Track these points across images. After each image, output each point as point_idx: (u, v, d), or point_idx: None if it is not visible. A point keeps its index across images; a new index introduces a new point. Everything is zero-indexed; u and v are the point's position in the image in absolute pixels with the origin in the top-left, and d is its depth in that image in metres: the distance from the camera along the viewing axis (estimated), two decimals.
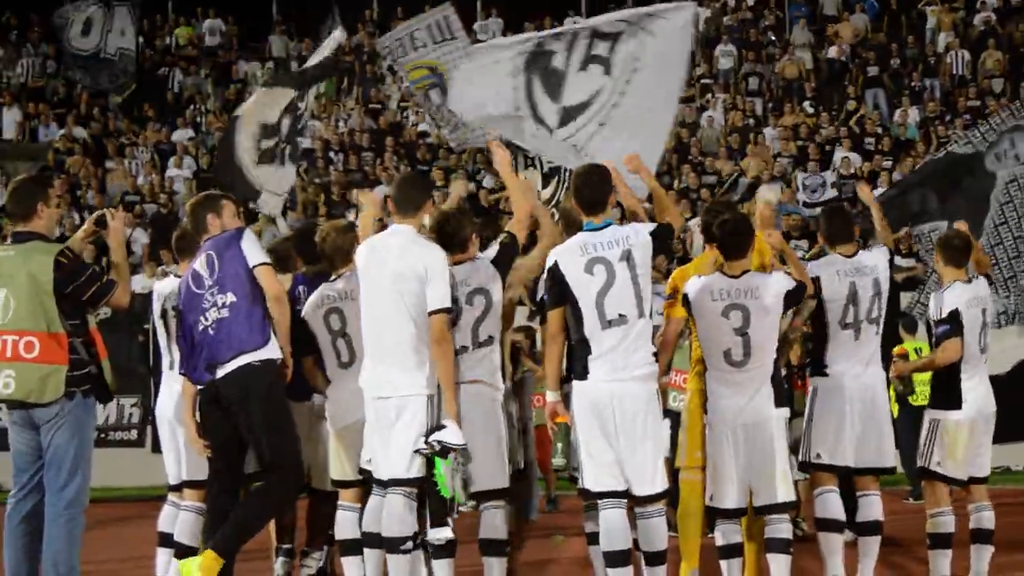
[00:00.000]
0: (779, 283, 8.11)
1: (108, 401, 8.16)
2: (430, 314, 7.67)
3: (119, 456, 18.40)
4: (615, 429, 7.60)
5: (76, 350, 7.68)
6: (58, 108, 28.70)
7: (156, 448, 9.74)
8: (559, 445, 8.17)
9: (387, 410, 7.72)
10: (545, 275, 7.93)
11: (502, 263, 8.09)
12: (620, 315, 7.65)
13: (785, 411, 8.10)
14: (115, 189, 25.53)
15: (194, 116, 28.89)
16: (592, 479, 7.72)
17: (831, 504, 8.47)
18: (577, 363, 7.76)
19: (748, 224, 8.35)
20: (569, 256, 7.76)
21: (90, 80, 28.10)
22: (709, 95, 28.19)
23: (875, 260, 8.72)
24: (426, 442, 7.55)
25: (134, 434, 18.96)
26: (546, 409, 8.05)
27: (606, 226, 7.82)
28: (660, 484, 7.68)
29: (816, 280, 8.51)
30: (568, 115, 10.73)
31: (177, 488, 8.95)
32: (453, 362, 7.74)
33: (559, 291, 7.75)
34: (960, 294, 8.85)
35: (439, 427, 7.59)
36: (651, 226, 7.88)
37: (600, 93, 10.63)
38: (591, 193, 7.88)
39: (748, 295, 8.03)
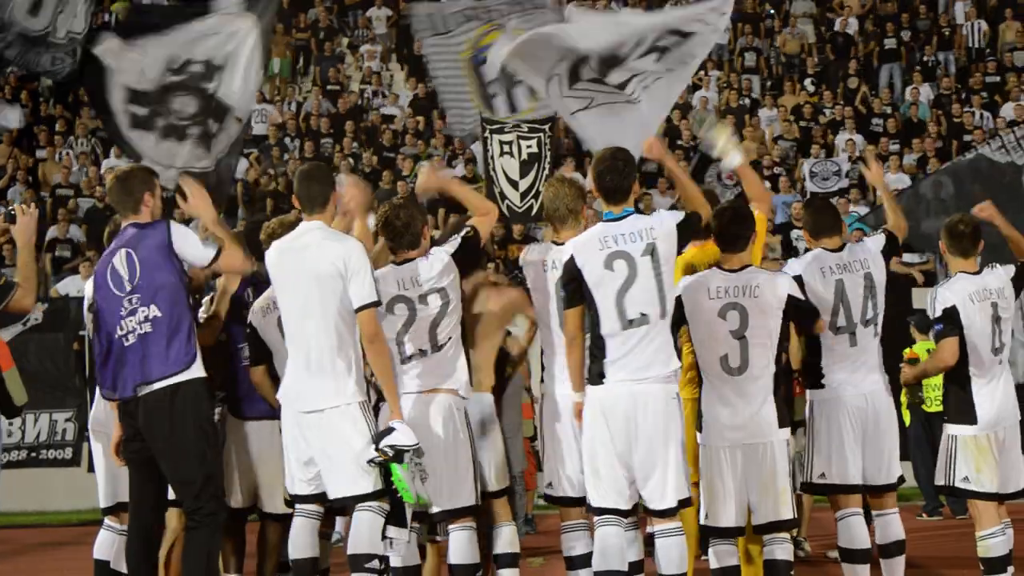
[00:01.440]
0: (783, 284, 8.07)
1: (13, 416, 8.11)
2: (357, 311, 7.66)
3: (52, 476, 18.31)
4: (633, 436, 7.58)
5: None
6: None
7: (92, 467, 9.68)
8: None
9: (321, 423, 7.72)
10: (561, 271, 7.86)
11: (465, 260, 8.04)
12: (642, 314, 7.61)
13: (787, 431, 8.07)
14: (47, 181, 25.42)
15: None
16: (594, 493, 7.72)
17: (856, 531, 8.42)
18: (591, 367, 7.74)
19: (749, 214, 8.32)
20: (587, 250, 7.71)
21: (29, 64, 27.88)
22: (702, 72, 28.16)
23: (865, 252, 8.61)
24: (377, 449, 7.54)
25: (68, 452, 18.83)
26: (573, 410, 7.97)
27: (626, 215, 7.77)
28: (678, 494, 7.64)
29: (798, 280, 8.37)
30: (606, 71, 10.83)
31: (113, 510, 8.90)
32: (389, 359, 7.74)
33: (576, 288, 7.72)
34: (961, 288, 8.73)
35: (387, 431, 7.58)
36: (677, 215, 7.82)
37: (645, 73, 10.74)
38: (614, 180, 7.82)
39: (747, 293, 7.98)
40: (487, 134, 12.30)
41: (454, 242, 8.08)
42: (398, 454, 7.53)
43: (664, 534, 7.67)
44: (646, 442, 7.59)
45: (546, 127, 12.55)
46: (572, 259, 7.72)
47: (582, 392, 7.79)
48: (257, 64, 12.05)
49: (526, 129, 12.45)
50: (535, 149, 11.99)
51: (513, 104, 12.16)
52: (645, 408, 7.58)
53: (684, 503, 7.71)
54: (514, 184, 12.27)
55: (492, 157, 12.25)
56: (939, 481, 8.94)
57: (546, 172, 12.16)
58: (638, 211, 7.89)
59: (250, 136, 26.77)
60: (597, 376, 7.67)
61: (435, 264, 7.98)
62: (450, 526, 8.00)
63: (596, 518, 7.75)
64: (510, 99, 12.28)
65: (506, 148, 12.17)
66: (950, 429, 8.82)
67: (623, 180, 7.82)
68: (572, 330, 7.80)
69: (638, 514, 8.03)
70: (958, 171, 13.40)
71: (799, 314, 8.10)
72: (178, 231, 7.96)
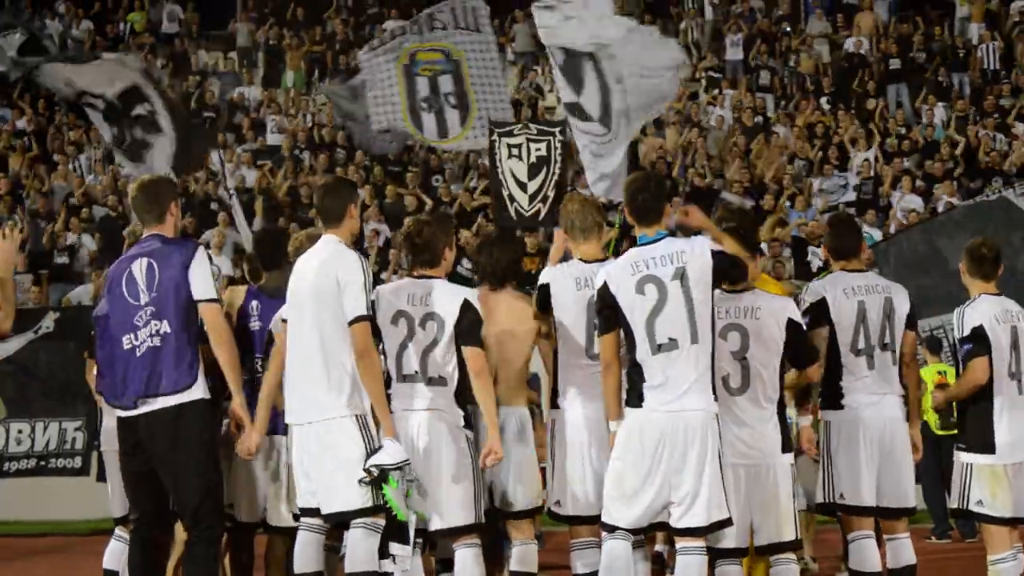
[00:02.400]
0: (785, 308, 8.08)
1: None
2: (349, 324, 7.68)
3: (60, 486, 18.28)
4: (665, 462, 7.51)
5: None
6: None
7: (102, 477, 9.71)
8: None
9: (315, 436, 7.74)
10: (595, 297, 7.80)
11: (463, 328, 7.93)
12: (671, 339, 7.53)
13: (791, 456, 8.05)
14: (60, 189, 25.47)
15: None
16: (609, 509, 7.69)
17: (867, 554, 8.40)
18: (631, 391, 7.69)
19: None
20: (620, 275, 7.67)
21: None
22: (716, 91, 28.21)
23: (888, 283, 8.68)
24: (364, 469, 7.56)
25: (77, 461, 18.84)
26: (609, 440, 7.82)
27: (660, 239, 7.72)
28: (711, 515, 7.51)
29: (822, 301, 8.42)
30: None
31: (124, 520, 8.92)
32: (380, 375, 7.75)
33: (610, 314, 7.67)
34: (987, 309, 8.73)
35: (376, 449, 7.61)
36: (714, 244, 7.68)
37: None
38: (647, 201, 7.79)
39: (748, 314, 7.97)
40: (495, 137, 12.34)
41: (466, 293, 8.04)
42: (383, 474, 7.54)
43: (687, 551, 7.61)
44: (679, 463, 7.49)
45: (556, 130, 12.58)
46: (605, 285, 7.67)
47: (618, 420, 7.69)
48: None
49: (535, 132, 12.47)
50: (544, 153, 12.02)
51: (443, 128, 12.23)
52: (685, 433, 7.48)
53: (722, 524, 7.59)
54: (523, 186, 12.29)
55: (500, 160, 12.28)
56: (953, 504, 8.93)
57: (556, 176, 12.18)
58: (672, 234, 7.87)
59: (264, 147, 26.89)
60: (636, 399, 7.61)
61: (446, 292, 7.96)
62: (454, 544, 7.99)
63: (605, 533, 7.74)
64: (440, 122, 12.35)
65: (514, 151, 12.19)
66: (966, 457, 8.79)
67: (656, 202, 7.80)
68: (608, 356, 7.71)
69: (647, 533, 8.03)
70: (979, 209, 13.48)
71: (795, 342, 8.05)
72: (201, 257, 7.98)
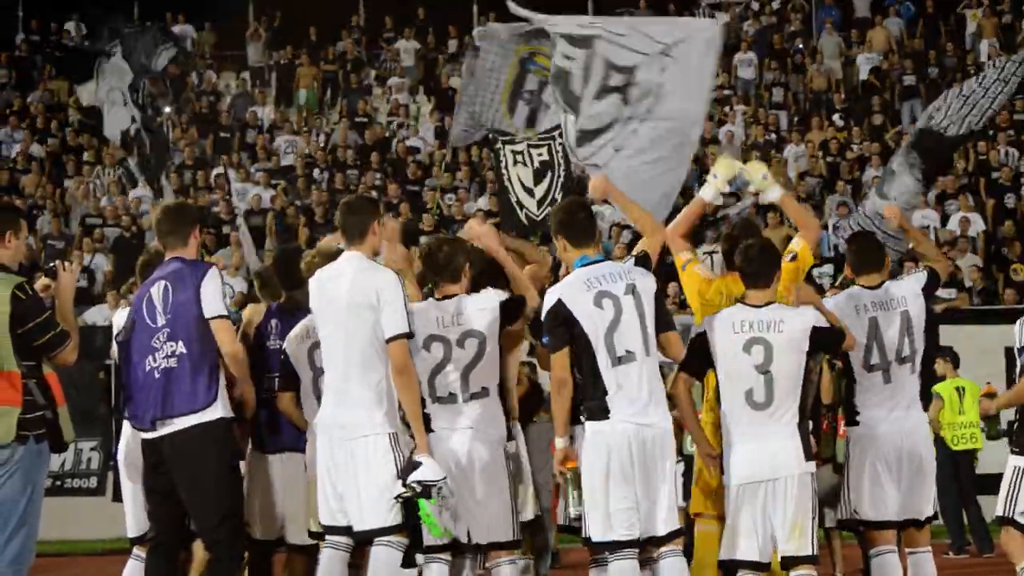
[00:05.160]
0: (807, 318, 8.08)
1: (62, 451, 8.14)
2: (387, 341, 7.69)
3: (77, 506, 18.33)
4: (633, 471, 7.62)
5: (31, 392, 7.67)
6: (10, 120, 28.72)
7: (117, 496, 9.71)
8: (574, 493, 8.11)
9: (348, 453, 7.73)
10: (545, 315, 7.87)
11: (507, 316, 8.00)
12: (628, 351, 7.72)
13: (812, 466, 8.05)
14: (74, 211, 25.55)
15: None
16: (602, 529, 7.70)
17: (890, 569, 8.40)
18: (592, 402, 7.76)
19: (774, 250, 8.33)
20: (574, 291, 7.78)
21: None
22: (728, 108, 28.22)
23: (904, 291, 8.65)
24: (404, 484, 7.55)
25: (93, 481, 18.91)
26: (556, 456, 7.96)
27: (600, 260, 7.96)
28: (675, 523, 7.78)
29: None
30: (585, 137, 10.93)
31: (140, 540, 8.92)
32: (418, 392, 7.75)
33: (564, 331, 7.76)
34: None
35: (414, 465, 7.60)
36: (643, 258, 8.00)
37: (617, 121, 10.84)
38: (587, 224, 8.05)
39: (772, 328, 7.97)
40: (499, 145, 12.39)
41: (497, 294, 8.06)
42: (426, 489, 7.54)
43: (670, 555, 7.77)
44: (644, 479, 7.65)
45: (555, 134, 12.61)
46: (560, 301, 7.78)
47: (567, 438, 7.86)
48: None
49: (535, 138, 12.51)
50: (546, 157, 12.01)
51: (532, 120, 12.25)
52: (643, 446, 7.65)
53: (677, 533, 7.82)
54: (530, 192, 12.29)
55: (506, 167, 12.31)
56: (999, 512, 8.94)
57: (561, 179, 12.18)
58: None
59: (279, 167, 26.96)
60: (599, 411, 7.72)
61: (480, 308, 7.95)
62: (488, 563, 8.01)
63: (609, 554, 7.74)
64: (532, 115, 12.35)
65: (519, 158, 12.20)
66: (1017, 461, 8.84)
67: (594, 225, 8.11)
68: (561, 373, 7.82)
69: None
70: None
71: (826, 341, 8.09)
72: (212, 276, 8.02)
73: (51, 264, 8.26)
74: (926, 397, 8.74)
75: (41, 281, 8.15)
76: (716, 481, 8.25)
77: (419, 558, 7.76)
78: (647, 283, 7.88)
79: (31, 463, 7.71)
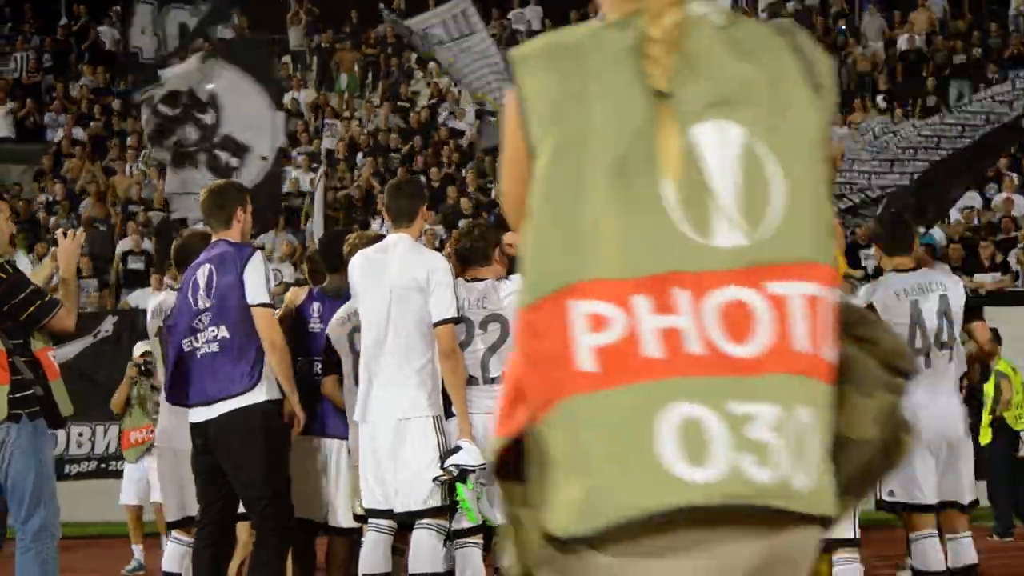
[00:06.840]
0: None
1: (60, 427, 8.12)
2: (435, 325, 7.67)
3: (120, 488, 18.36)
4: None
5: (18, 370, 7.64)
6: (54, 105, 28.85)
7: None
8: None
9: (392, 436, 7.71)
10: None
11: None
12: None
13: None
14: (117, 195, 25.65)
15: None
16: None
17: (931, 554, 8.32)
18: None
19: None
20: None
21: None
22: None
23: (943, 277, 8.62)
24: (442, 467, 7.54)
25: None
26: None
27: None
28: None
29: (870, 308, 8.24)
30: None
31: (180, 524, 8.93)
32: (464, 376, 7.75)
33: None
34: None
35: (454, 449, 7.58)
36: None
37: None
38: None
39: None
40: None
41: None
42: (463, 474, 7.53)
43: None
44: None
45: None
46: None
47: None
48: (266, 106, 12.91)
49: None
50: None
51: None
52: None
53: None
54: None
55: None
56: None
57: None
58: None
59: (319, 150, 26.97)
60: None
61: (509, 289, 7.91)
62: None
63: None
64: None
65: None
66: None
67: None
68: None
69: None
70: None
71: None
72: (255, 261, 7.98)
73: (61, 230, 8.25)
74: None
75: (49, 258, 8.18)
76: None
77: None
78: None
79: (28, 442, 7.64)
